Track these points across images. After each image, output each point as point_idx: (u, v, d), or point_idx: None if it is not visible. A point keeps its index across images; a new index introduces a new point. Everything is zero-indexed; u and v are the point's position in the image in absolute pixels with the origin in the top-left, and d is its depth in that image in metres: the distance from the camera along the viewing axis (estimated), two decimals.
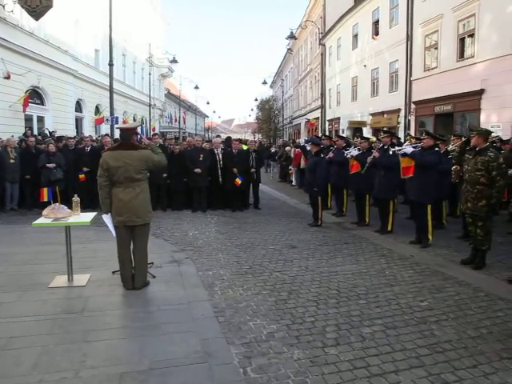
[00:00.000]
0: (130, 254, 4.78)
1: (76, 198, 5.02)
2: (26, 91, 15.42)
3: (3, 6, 13.83)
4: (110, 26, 14.89)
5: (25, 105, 14.88)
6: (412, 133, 16.22)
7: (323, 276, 5.36)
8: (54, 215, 4.75)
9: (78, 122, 21.86)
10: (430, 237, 6.86)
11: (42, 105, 17.44)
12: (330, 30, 27.62)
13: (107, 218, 4.74)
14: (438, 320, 4.05)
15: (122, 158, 4.61)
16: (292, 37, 23.31)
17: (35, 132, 16.22)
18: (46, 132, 15.75)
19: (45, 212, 4.82)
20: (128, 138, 4.79)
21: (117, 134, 11.59)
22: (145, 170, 4.81)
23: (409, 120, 17.94)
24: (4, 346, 3.41)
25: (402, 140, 12.92)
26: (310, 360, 3.29)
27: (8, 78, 14.34)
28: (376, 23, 21.42)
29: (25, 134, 13.42)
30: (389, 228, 7.73)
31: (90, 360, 3.20)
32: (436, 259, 6.15)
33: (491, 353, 3.43)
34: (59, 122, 18.17)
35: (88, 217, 4.97)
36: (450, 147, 8.20)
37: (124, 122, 22.30)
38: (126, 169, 4.60)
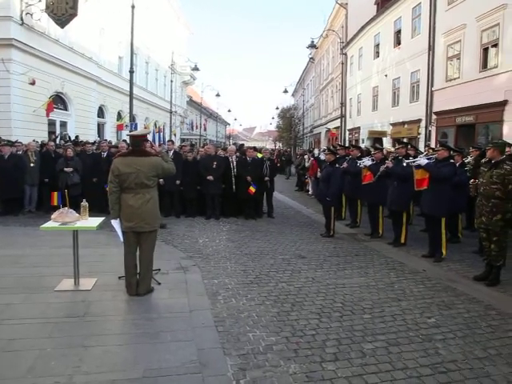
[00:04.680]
0: (135, 260, 4.82)
1: (84, 203, 5.08)
2: (50, 97, 15.82)
3: (31, 15, 14.27)
4: (132, 33, 15.20)
5: (48, 110, 15.24)
6: (432, 144, 15.91)
7: (329, 288, 5.27)
8: (62, 219, 4.81)
9: (100, 128, 22.28)
10: (444, 251, 6.67)
11: (65, 110, 17.84)
12: (351, 39, 27.51)
13: (116, 223, 4.79)
14: (445, 338, 3.91)
15: (133, 165, 4.67)
16: (312, 46, 23.20)
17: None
18: (67, 137, 16.07)
19: (53, 216, 4.89)
20: (139, 145, 4.86)
21: None
22: (155, 177, 4.86)
23: (429, 131, 17.62)
24: (4, 348, 3.45)
25: (422, 151, 12.66)
26: (306, 375, 3.21)
27: (33, 83, 14.74)
28: (398, 33, 21.21)
29: (54, 140, 13.69)
30: (402, 240, 7.56)
31: (85, 366, 3.20)
32: (448, 274, 5.97)
33: (498, 376, 3.28)
34: (81, 127, 18.53)
35: (95, 222, 5.00)
36: (468, 159, 8.01)
37: (145, 128, 22.63)
38: (137, 175, 4.66)
